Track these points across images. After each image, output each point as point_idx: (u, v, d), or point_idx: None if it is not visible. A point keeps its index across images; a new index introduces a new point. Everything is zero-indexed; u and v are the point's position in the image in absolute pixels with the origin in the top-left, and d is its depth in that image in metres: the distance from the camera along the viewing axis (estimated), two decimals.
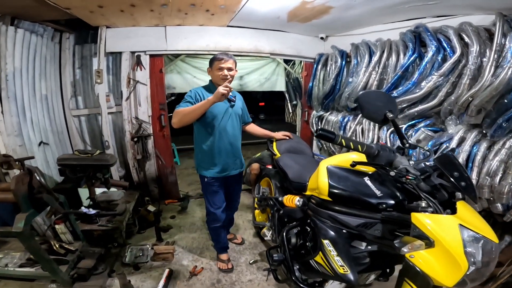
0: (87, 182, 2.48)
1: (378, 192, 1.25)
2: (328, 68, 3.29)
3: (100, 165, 2.48)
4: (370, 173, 1.37)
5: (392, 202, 1.21)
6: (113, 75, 3.24)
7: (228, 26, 3.11)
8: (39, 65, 2.82)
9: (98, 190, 2.81)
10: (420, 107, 2.29)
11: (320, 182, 1.42)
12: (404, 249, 1.00)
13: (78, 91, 3.26)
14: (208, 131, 1.98)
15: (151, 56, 3.12)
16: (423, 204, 1.05)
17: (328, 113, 3.43)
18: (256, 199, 2.62)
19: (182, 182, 4.35)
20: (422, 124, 2.38)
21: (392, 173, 1.15)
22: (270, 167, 3.46)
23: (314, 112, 3.67)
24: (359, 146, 1.23)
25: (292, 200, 1.80)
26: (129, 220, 2.70)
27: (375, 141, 2.74)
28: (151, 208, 3.06)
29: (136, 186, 3.44)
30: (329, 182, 1.38)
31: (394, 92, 2.35)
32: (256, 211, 2.81)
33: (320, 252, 1.37)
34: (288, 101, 5.13)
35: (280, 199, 2.03)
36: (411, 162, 1.25)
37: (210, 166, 2.05)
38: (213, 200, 2.13)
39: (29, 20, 2.59)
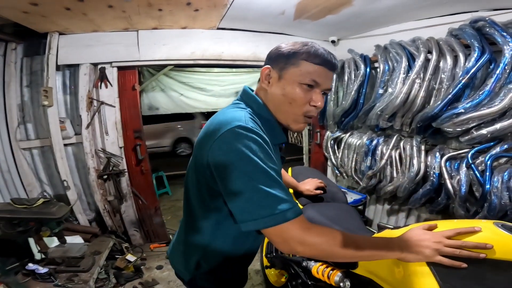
0: (32, 236, 1.98)
1: None
2: (345, 78, 2.62)
3: (43, 218, 1.92)
4: None
5: None
6: (71, 95, 2.52)
7: (218, 28, 2.45)
8: None
9: (55, 239, 2.18)
10: (497, 125, 1.60)
11: (418, 285, 0.74)
12: None
13: (27, 116, 2.53)
14: None
15: (120, 68, 2.42)
16: None
17: (347, 135, 2.73)
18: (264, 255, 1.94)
19: (174, 219, 3.64)
20: (498, 149, 1.68)
21: None
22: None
23: (328, 133, 2.97)
24: None
25: (330, 275, 1.23)
26: (101, 274, 2.22)
27: (421, 172, 2.02)
28: (130, 257, 2.47)
29: (111, 231, 2.75)
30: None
31: (459, 106, 1.66)
32: (269, 270, 2.07)
33: None
34: None
35: (304, 264, 1.43)
36: None
37: (224, 279, 0.99)
38: None
39: None
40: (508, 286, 0.69)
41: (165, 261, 2.65)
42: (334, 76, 2.66)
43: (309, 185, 1.50)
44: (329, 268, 1.29)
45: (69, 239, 2.25)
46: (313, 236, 0.69)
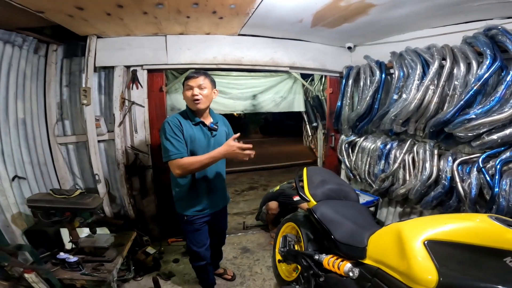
0: (66, 225, 2.08)
1: None
2: (361, 84, 2.70)
3: (79, 208, 2.05)
4: None
5: None
6: (105, 95, 2.74)
7: (239, 34, 2.61)
8: (14, 82, 2.33)
9: (84, 230, 2.35)
10: (507, 131, 1.65)
11: (418, 267, 0.90)
12: None
13: (65, 114, 2.76)
14: None
15: (149, 71, 2.62)
16: None
17: (362, 139, 2.80)
18: (277, 250, 2.05)
19: None
20: (508, 154, 1.73)
21: None
22: (297, 198, 2.80)
23: (343, 136, 3.05)
24: None
25: (340, 267, 1.37)
26: (123, 265, 2.32)
27: (434, 175, 2.08)
28: (150, 250, 2.63)
29: (133, 224, 2.90)
30: (438, 269, 0.85)
31: (471, 112, 1.73)
32: (280, 265, 2.17)
33: None
34: (307, 123, 4.52)
35: (316, 257, 1.56)
36: None
37: (190, 205, 1.82)
38: (195, 239, 1.91)
39: (2, 28, 2.15)
40: (500, 270, 0.79)
41: (181, 254, 2.79)
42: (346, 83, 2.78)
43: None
44: (339, 260, 1.41)
45: (97, 230, 2.37)
46: (178, 168, 1.61)
